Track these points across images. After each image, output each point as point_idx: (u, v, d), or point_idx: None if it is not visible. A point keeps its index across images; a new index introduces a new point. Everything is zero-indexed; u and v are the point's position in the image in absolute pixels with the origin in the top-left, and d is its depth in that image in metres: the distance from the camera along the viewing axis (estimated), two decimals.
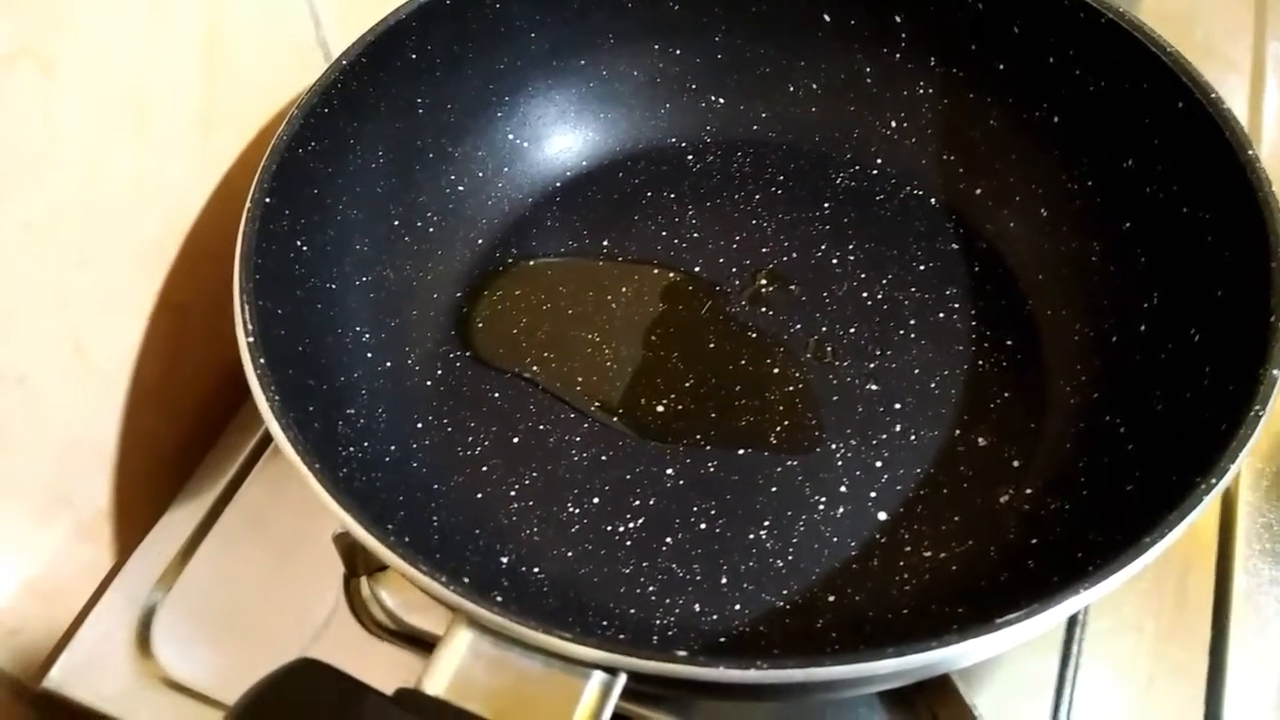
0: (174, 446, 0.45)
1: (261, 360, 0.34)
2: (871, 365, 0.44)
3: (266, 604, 0.41)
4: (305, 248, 0.40)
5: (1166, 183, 0.40)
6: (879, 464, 0.41)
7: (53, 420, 0.38)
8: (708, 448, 0.42)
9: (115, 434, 0.42)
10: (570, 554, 0.39)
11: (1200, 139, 0.38)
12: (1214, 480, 0.30)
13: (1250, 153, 0.36)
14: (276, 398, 0.33)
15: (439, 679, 0.28)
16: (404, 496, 0.39)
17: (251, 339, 0.34)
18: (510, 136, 0.49)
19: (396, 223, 0.45)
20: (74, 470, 0.40)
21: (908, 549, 0.39)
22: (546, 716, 0.28)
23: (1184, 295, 0.39)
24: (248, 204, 0.37)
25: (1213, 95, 0.38)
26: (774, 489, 0.40)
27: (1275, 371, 0.32)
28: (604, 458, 0.42)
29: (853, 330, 0.45)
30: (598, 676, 0.28)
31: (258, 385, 0.33)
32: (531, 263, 0.48)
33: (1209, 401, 0.34)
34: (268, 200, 0.38)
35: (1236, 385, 0.33)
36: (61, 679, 0.40)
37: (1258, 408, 0.31)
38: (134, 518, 0.43)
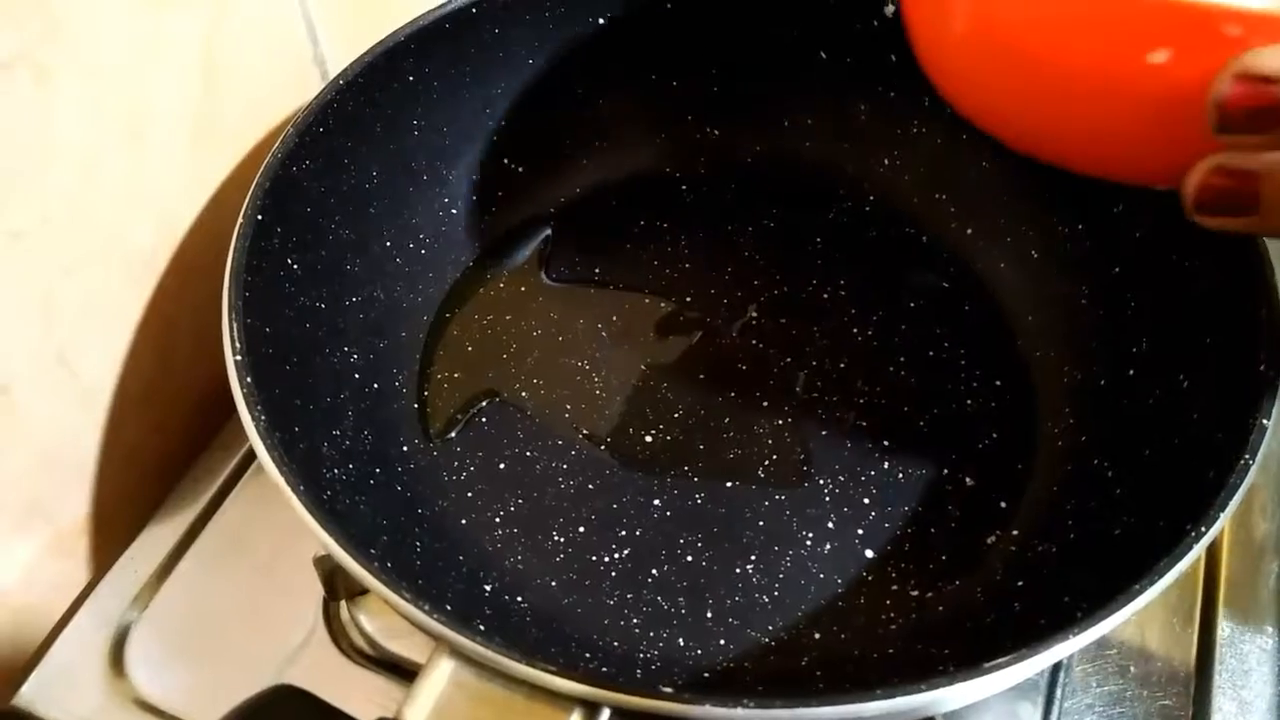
0: (155, 462, 0.44)
1: (248, 379, 0.33)
2: (860, 401, 0.44)
3: (243, 626, 0.40)
4: (296, 266, 0.40)
5: (1156, 228, 0.41)
6: (866, 501, 0.41)
7: (32, 431, 0.38)
8: (695, 479, 0.41)
9: (96, 447, 0.41)
10: (554, 584, 0.39)
11: None
12: (1204, 529, 0.30)
13: None
14: (262, 417, 0.32)
15: (419, 709, 0.28)
16: (387, 520, 0.38)
17: (239, 357, 0.34)
18: (505, 161, 0.49)
19: (388, 244, 0.45)
20: (52, 483, 0.40)
21: (894, 587, 0.39)
22: None
23: (1173, 342, 0.39)
24: (240, 221, 0.37)
25: None
26: (761, 523, 0.40)
27: (1265, 421, 0.32)
28: (590, 487, 0.41)
29: (842, 365, 0.45)
30: (580, 710, 0.28)
31: (244, 404, 0.33)
32: (522, 288, 0.48)
33: (1198, 449, 0.34)
34: (260, 218, 0.37)
35: (1225, 433, 0.33)
36: (32, 697, 0.39)
37: (1247, 457, 0.31)
38: (111, 533, 0.43)
